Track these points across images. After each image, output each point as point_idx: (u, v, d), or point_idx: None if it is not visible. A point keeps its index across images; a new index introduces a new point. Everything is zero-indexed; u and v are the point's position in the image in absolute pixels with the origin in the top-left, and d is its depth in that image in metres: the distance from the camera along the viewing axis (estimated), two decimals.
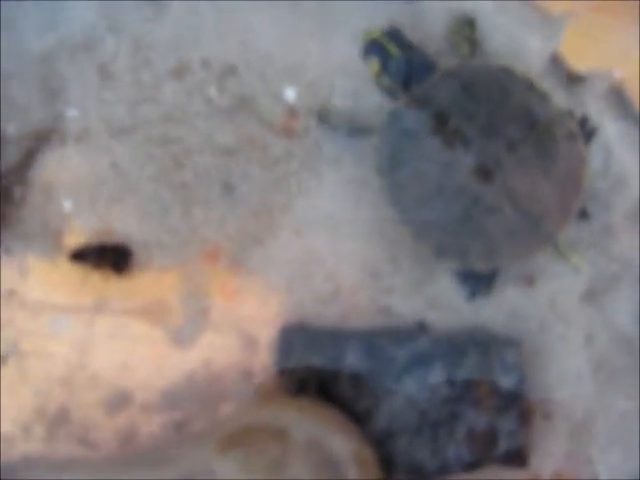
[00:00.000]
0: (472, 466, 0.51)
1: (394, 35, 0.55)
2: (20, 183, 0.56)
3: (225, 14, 0.58)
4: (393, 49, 0.55)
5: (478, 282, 0.54)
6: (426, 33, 0.57)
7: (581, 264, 0.54)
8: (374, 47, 0.55)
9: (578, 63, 0.56)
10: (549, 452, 0.53)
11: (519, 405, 0.52)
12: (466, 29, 0.56)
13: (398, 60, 0.55)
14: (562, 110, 0.54)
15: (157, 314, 0.55)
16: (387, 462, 0.51)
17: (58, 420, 0.54)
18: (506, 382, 0.51)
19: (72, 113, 0.57)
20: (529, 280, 0.55)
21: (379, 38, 0.55)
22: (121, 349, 0.54)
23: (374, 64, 0.55)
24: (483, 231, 0.52)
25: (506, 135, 0.52)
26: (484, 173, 0.52)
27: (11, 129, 0.57)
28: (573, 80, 0.56)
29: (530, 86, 0.54)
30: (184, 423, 0.53)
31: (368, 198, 0.55)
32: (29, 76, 0.58)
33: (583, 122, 0.55)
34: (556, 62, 0.57)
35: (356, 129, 0.55)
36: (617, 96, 0.56)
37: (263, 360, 0.54)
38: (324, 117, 0.56)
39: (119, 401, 0.54)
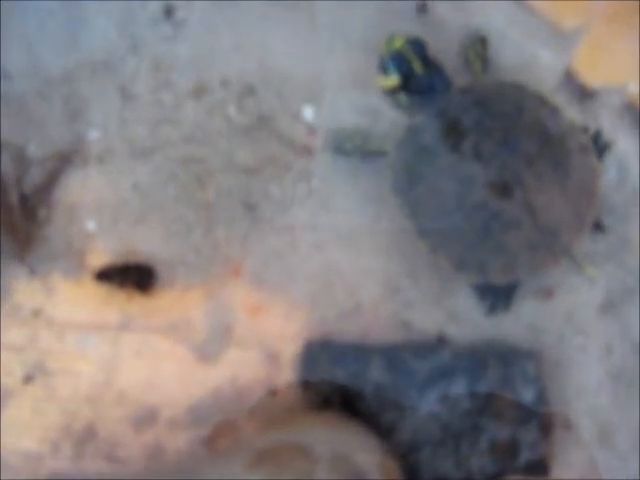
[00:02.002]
0: (495, 477, 0.52)
1: (418, 47, 0.54)
2: (44, 204, 0.57)
3: (242, 32, 0.59)
4: (417, 64, 0.54)
5: (497, 296, 0.54)
6: (439, 49, 0.56)
7: (596, 275, 0.55)
8: (396, 60, 0.54)
9: (591, 78, 0.57)
10: (570, 462, 0.54)
11: (540, 416, 0.52)
12: (478, 47, 0.57)
13: (420, 77, 0.54)
14: (574, 124, 0.55)
15: (181, 331, 0.56)
16: (412, 474, 0.52)
17: (85, 437, 0.54)
18: (527, 394, 0.52)
19: (94, 134, 0.58)
20: (548, 293, 0.55)
21: (403, 50, 0.54)
22: (146, 366, 0.55)
23: (393, 79, 0.54)
24: (502, 245, 0.53)
25: (523, 150, 0.53)
26: (504, 188, 0.52)
27: (33, 150, 0.58)
28: (587, 95, 0.57)
29: (542, 101, 0.55)
30: (211, 439, 0.54)
31: (386, 213, 0.56)
32: (50, 97, 0.59)
33: (597, 137, 0.56)
34: (570, 77, 0.57)
35: (369, 154, 0.56)
36: (631, 110, 0.57)
37: (287, 376, 0.54)
38: (338, 147, 0.56)
39: (145, 418, 0.55)
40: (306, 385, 0.54)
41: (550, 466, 0.53)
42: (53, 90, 0.59)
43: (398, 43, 0.54)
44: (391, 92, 0.55)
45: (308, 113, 0.58)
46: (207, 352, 0.55)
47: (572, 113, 0.56)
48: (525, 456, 0.52)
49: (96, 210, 0.57)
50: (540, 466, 0.52)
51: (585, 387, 0.54)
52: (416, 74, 0.54)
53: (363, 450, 0.49)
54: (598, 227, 0.55)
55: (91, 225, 0.57)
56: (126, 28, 0.59)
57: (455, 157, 0.53)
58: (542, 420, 0.52)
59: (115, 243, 0.57)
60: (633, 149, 0.57)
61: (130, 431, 0.54)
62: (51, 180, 0.57)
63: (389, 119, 0.57)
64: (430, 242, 0.53)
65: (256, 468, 0.47)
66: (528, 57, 0.58)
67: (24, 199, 0.57)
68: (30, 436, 0.54)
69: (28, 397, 0.55)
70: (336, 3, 0.59)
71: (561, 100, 0.57)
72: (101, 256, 0.56)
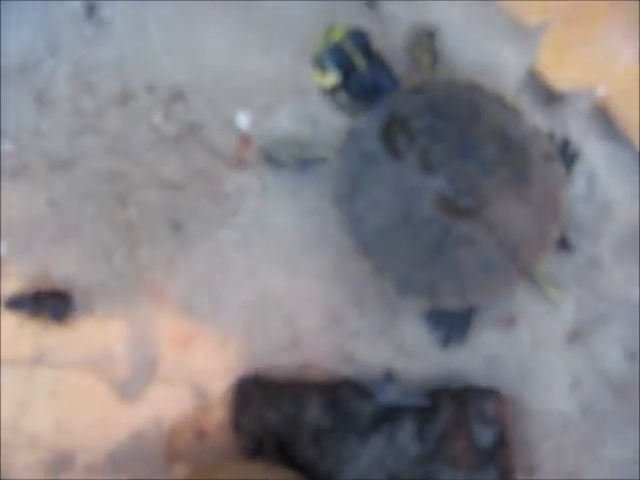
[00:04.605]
0: None
1: (360, 40, 0.50)
2: None
3: (170, 33, 0.56)
4: (359, 59, 0.50)
5: (451, 325, 0.51)
6: (389, 46, 0.53)
7: (560, 299, 0.52)
8: (335, 55, 0.50)
9: (558, 80, 0.53)
10: None
11: (499, 460, 0.49)
12: (425, 40, 0.53)
13: (362, 73, 0.50)
14: (537, 129, 0.51)
15: (101, 366, 0.53)
16: None
17: None
18: (484, 436, 0.49)
19: (6, 145, 0.55)
20: (509, 321, 0.52)
21: (342, 43, 0.49)
22: (62, 406, 0.52)
23: (331, 76, 0.50)
24: (454, 265, 0.49)
25: (480, 158, 0.49)
26: (456, 200, 0.48)
27: None
28: (553, 98, 0.54)
29: (502, 104, 0.51)
30: None
31: (330, 232, 0.53)
32: None
33: (565, 145, 0.53)
34: (534, 79, 0.54)
35: (307, 163, 0.52)
36: (601, 115, 0.53)
37: (217, 416, 0.52)
38: (271, 157, 0.53)
39: (60, 464, 0.52)
40: (238, 427, 0.51)
41: None
42: None
43: (337, 35, 0.50)
44: (330, 91, 0.51)
45: (242, 121, 0.54)
46: (129, 389, 0.52)
47: (537, 118, 0.54)
48: None
49: (8, 230, 0.54)
50: None
51: (550, 426, 0.52)
52: (358, 70, 0.50)
53: None
54: (564, 245, 0.52)
55: (2, 247, 0.54)
56: (43, 29, 0.56)
57: (401, 165, 0.49)
58: (502, 464, 0.49)
59: (28, 267, 0.54)
60: (603, 158, 0.53)
61: (43, 477, 0.51)
62: None
63: (330, 126, 0.53)
64: (373, 262, 0.50)
65: None
66: (489, 56, 0.54)
67: None
68: None
69: None
70: None
71: (525, 103, 0.53)
72: (13, 282, 0.54)
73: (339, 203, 0.50)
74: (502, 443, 0.49)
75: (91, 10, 0.56)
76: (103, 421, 0.52)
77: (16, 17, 0.56)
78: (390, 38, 0.54)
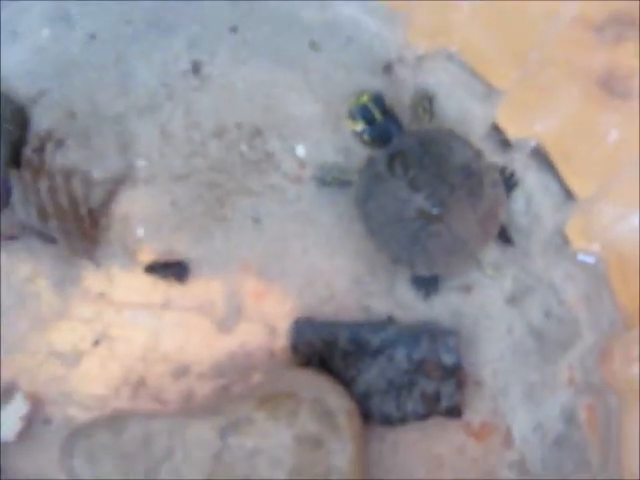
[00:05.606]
0: (423, 417, 0.67)
1: (378, 102, 0.70)
2: (105, 216, 0.72)
3: (252, 85, 0.74)
4: (378, 115, 0.69)
5: (428, 285, 0.69)
6: (398, 102, 0.73)
7: (494, 275, 0.69)
8: (362, 111, 0.70)
9: (510, 131, 0.72)
10: (477, 408, 0.68)
11: (456, 376, 0.66)
12: (426, 103, 0.72)
13: (379, 124, 0.70)
14: (491, 164, 0.70)
15: (207, 310, 0.70)
16: (365, 414, 0.66)
17: (138, 385, 0.69)
18: (448, 360, 0.66)
19: (141, 162, 0.72)
20: (468, 289, 0.70)
21: (367, 104, 0.70)
22: (182, 334, 0.69)
23: (359, 124, 0.70)
24: (425, 248, 0.67)
25: (449, 182, 0.67)
26: (430, 209, 0.67)
27: (96, 175, 0.73)
28: (507, 143, 0.72)
29: (469, 146, 0.69)
30: (228, 387, 0.68)
31: (354, 227, 0.71)
32: (107, 133, 0.74)
33: (510, 176, 0.72)
34: (495, 129, 0.73)
35: (343, 183, 0.71)
36: (538, 155, 0.72)
37: (282, 343, 0.69)
38: (320, 178, 0.72)
39: (181, 372, 0.69)
40: (295, 349, 0.68)
41: (462, 411, 0.67)
42: (109, 128, 0.74)
43: (364, 98, 0.70)
44: (358, 134, 0.71)
45: (300, 151, 0.73)
46: (225, 325, 0.69)
47: (495, 156, 0.72)
48: (445, 403, 0.66)
49: (144, 220, 0.71)
50: (455, 411, 0.67)
51: (490, 356, 0.68)
52: (377, 121, 0.70)
53: (333, 396, 0.64)
54: (508, 241, 0.70)
55: (140, 231, 0.71)
56: (163, 80, 0.75)
57: (398, 183, 0.67)
58: (458, 378, 0.66)
59: (159, 245, 0.71)
60: (537, 184, 0.71)
61: (170, 381, 0.68)
62: (110, 198, 0.72)
63: (359, 156, 0.72)
64: (376, 243, 0.68)
65: (260, 408, 0.62)
66: (465, 112, 0.73)
67: (91, 212, 0.71)
68: (99, 384, 0.69)
69: (97, 356, 0.69)
70: (324, 64, 0.75)
71: (487, 146, 0.72)
72: (149, 255, 0.70)
73: (358, 206, 0.68)
74: (459, 365, 0.66)
75: (197, 68, 0.75)
76: (209, 345, 0.69)
77: (144, 73, 0.74)
78: (399, 97, 0.73)
